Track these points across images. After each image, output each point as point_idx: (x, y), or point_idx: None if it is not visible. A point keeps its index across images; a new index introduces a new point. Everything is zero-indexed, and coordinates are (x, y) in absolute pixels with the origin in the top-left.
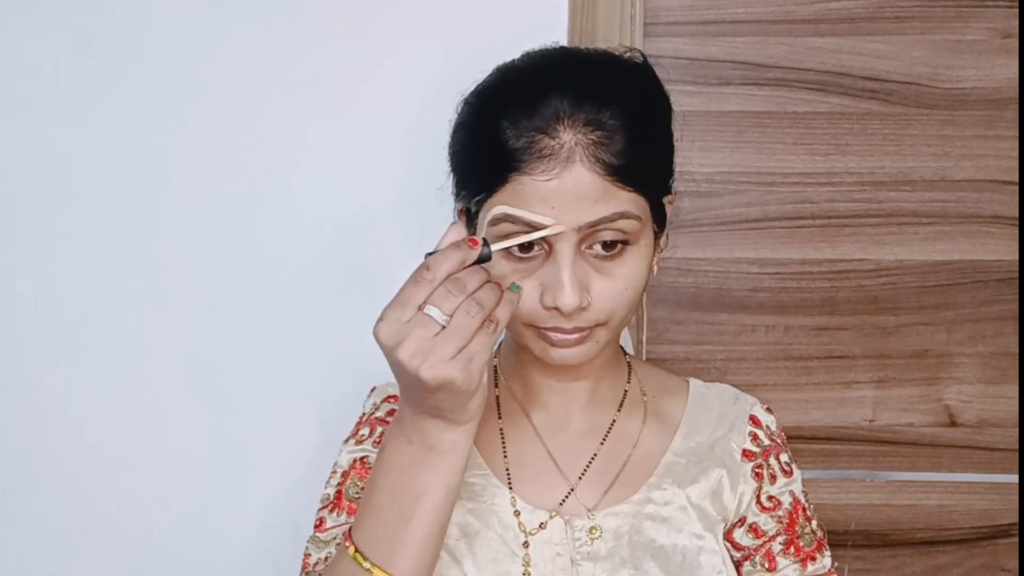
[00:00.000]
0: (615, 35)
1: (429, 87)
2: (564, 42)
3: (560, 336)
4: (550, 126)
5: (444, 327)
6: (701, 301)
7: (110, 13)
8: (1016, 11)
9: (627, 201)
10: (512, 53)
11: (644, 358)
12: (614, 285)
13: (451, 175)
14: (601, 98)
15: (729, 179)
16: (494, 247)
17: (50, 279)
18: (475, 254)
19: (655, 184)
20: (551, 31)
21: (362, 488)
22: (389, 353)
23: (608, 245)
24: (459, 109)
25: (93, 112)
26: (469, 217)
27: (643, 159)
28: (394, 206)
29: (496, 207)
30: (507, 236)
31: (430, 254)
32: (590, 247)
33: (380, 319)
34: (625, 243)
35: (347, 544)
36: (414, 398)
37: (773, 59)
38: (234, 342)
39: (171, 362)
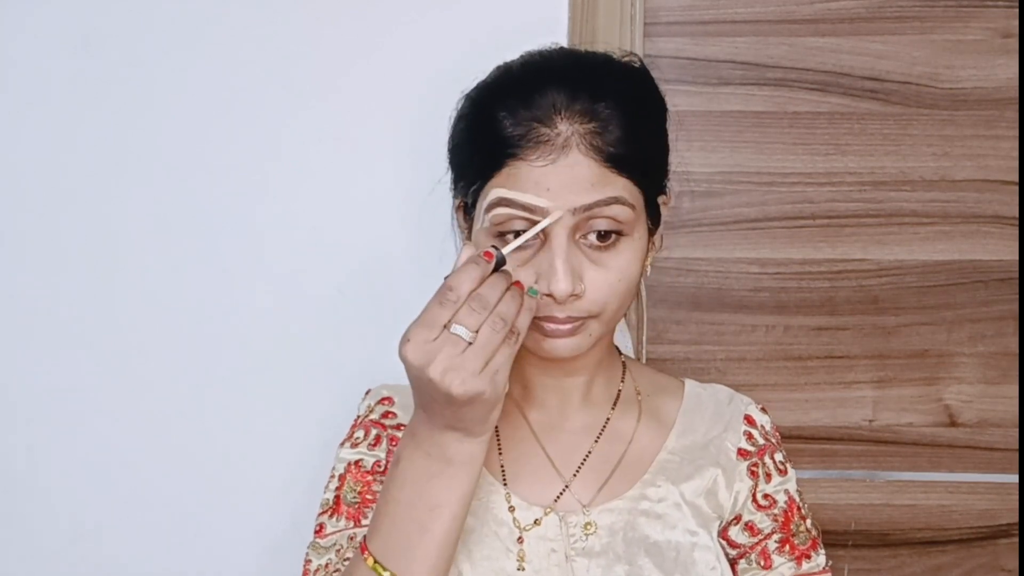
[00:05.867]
0: (615, 35)
1: (429, 87)
2: (564, 42)
3: (553, 326)
4: (547, 116)
5: (470, 343)
6: (701, 301)
7: (110, 13)
8: (1016, 11)
9: (622, 188)
10: (512, 52)
11: (644, 358)
12: (607, 275)
13: (449, 170)
14: (596, 91)
15: (729, 179)
16: (505, 250)
17: (50, 279)
18: (492, 266)
19: (649, 176)
20: (551, 31)
21: (359, 492)
22: (419, 372)
23: (603, 236)
24: (459, 104)
25: (93, 112)
26: (466, 211)
27: (637, 149)
28: (394, 206)
29: (493, 190)
30: (503, 222)
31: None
32: (584, 236)
33: (406, 340)
34: (619, 233)
35: (364, 555)
36: (437, 413)
37: (773, 59)
38: (234, 343)
39: (171, 363)
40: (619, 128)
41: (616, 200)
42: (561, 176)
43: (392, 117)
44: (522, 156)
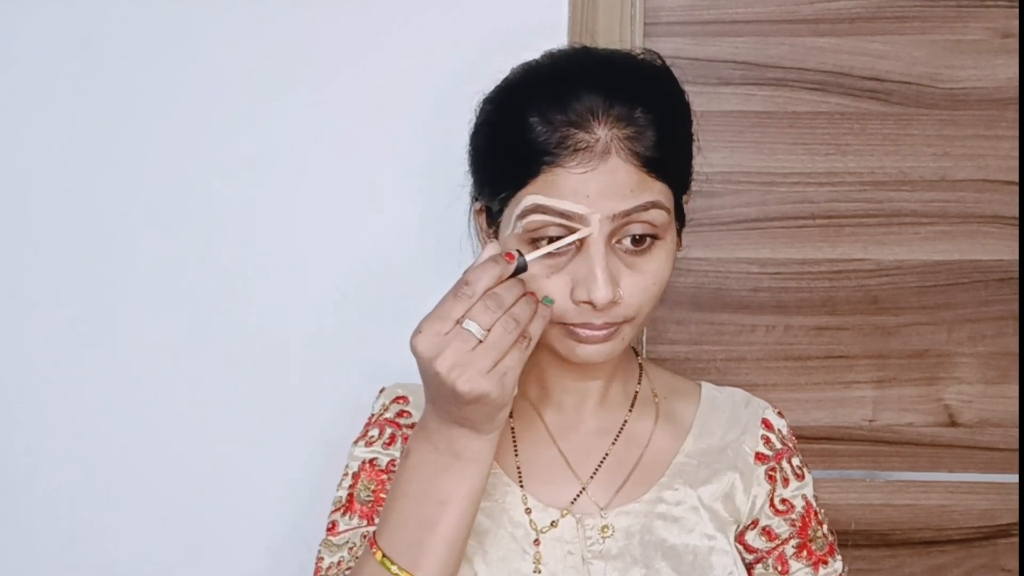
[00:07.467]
0: (615, 35)
1: (429, 87)
2: (564, 42)
3: (589, 332)
4: (584, 121)
5: (481, 341)
6: (701, 301)
7: (109, 13)
8: (1016, 11)
9: (658, 192)
10: (512, 52)
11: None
12: (642, 280)
13: (470, 174)
14: (632, 95)
15: (729, 179)
16: (529, 257)
17: (50, 279)
18: (512, 268)
19: (681, 178)
20: (551, 31)
21: (373, 491)
22: (427, 364)
23: (637, 240)
24: (480, 108)
25: (92, 112)
26: (490, 216)
27: (671, 152)
28: (397, 206)
29: (528, 197)
30: (537, 228)
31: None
32: (619, 241)
33: (418, 331)
34: (654, 237)
35: (373, 550)
36: (444, 408)
37: (773, 59)
38: (236, 344)
39: (172, 363)
40: (655, 132)
41: (654, 205)
42: (600, 182)
43: (393, 117)
44: (560, 163)
